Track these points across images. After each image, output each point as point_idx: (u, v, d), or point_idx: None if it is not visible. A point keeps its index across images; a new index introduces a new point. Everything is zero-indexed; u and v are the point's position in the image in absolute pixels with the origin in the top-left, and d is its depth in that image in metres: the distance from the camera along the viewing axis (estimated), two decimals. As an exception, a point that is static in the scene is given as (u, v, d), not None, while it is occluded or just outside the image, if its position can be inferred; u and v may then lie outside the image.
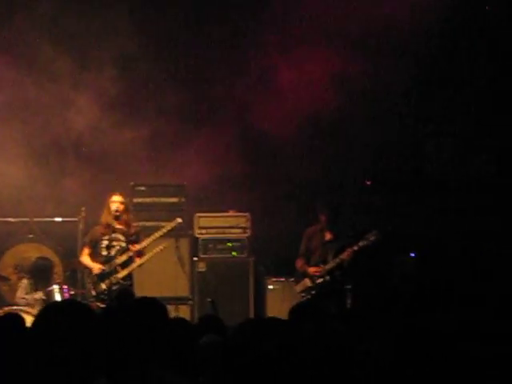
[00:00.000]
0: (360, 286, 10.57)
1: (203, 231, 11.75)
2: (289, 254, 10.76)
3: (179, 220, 10.38)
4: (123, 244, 10.02)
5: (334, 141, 12.11)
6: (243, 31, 11.89)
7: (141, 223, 10.93)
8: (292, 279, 10.67)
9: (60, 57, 11.43)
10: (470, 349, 4.06)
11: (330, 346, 3.39)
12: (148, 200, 11.76)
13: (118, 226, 10.02)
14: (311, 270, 10.07)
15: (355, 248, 9.86)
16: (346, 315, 5.57)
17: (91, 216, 10.68)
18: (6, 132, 11.32)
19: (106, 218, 10.05)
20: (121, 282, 9.90)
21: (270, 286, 11.54)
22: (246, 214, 11.78)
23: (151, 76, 12.03)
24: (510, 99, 11.69)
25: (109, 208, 10.02)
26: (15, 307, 9.76)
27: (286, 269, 11.30)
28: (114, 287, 9.80)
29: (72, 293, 10.15)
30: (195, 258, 11.63)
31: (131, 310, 3.89)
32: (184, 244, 11.55)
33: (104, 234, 9.97)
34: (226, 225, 11.78)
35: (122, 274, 9.94)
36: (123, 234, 10.03)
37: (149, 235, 10.17)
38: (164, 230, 10.14)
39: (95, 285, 9.96)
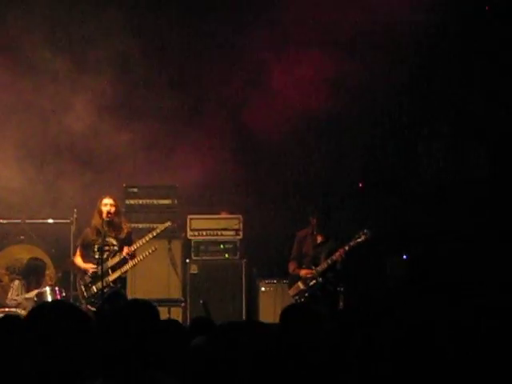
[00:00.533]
0: (352, 287, 10.57)
1: (195, 233, 11.75)
2: (281, 255, 10.77)
3: (169, 223, 10.34)
4: (115, 247, 9.97)
5: (327, 143, 12.13)
6: (236, 34, 11.87)
7: (133, 225, 10.92)
8: (285, 281, 10.67)
9: (57, 59, 11.41)
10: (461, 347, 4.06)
11: (322, 347, 3.39)
12: (140, 202, 11.75)
13: (110, 230, 9.94)
14: (303, 272, 10.08)
15: (346, 248, 9.87)
16: (338, 317, 5.57)
17: (83, 218, 10.65)
18: (0, 133, 11.29)
19: (96, 221, 9.98)
20: (111, 284, 9.85)
21: (263, 288, 11.54)
22: (239, 215, 11.78)
23: (144, 79, 12.01)
24: (503, 100, 11.70)
25: (100, 211, 9.94)
26: (7, 309, 9.74)
27: (278, 271, 11.32)
28: (105, 290, 9.74)
29: (64, 295, 10.10)
30: (187, 260, 11.63)
31: (122, 312, 3.90)
32: (176, 246, 11.54)
33: (95, 239, 9.91)
34: (218, 227, 11.77)
35: (113, 276, 9.88)
36: (115, 237, 9.98)
37: (141, 237, 10.14)
38: (154, 233, 10.11)
39: (86, 287, 9.92)
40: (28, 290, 10.24)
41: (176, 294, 11.40)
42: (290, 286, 10.25)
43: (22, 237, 11.75)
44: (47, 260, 11.24)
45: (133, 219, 11.10)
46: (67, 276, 10.98)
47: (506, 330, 4.17)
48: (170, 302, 10.96)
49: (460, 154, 12.07)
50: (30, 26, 11.33)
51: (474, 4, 11.85)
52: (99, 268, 9.77)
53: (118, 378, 3.63)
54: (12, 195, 11.25)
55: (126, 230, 10.09)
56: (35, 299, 9.76)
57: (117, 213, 10.02)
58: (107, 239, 9.89)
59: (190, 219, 11.77)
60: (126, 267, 9.98)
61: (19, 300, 10.10)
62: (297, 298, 10.10)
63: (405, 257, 11.49)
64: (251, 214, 11.76)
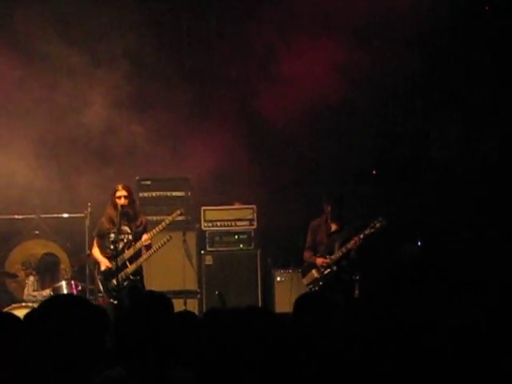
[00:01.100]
0: (367, 275, 10.54)
1: (210, 224, 11.76)
2: (296, 245, 10.77)
3: (179, 211, 10.25)
4: (130, 237, 9.94)
5: (339, 130, 12.10)
6: (247, 22, 11.85)
7: (147, 217, 10.92)
8: (300, 270, 10.66)
9: (71, 53, 11.42)
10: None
11: (335, 336, 3.39)
12: (154, 194, 11.77)
13: (124, 219, 9.93)
14: (319, 260, 10.04)
15: (361, 236, 9.83)
16: (353, 305, 5.56)
17: (98, 211, 10.66)
18: (14, 129, 11.31)
19: (110, 210, 9.94)
20: (131, 277, 9.85)
21: (278, 278, 11.54)
22: (252, 206, 11.77)
23: (156, 71, 12.02)
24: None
25: (114, 200, 9.91)
26: (23, 304, 9.78)
27: (293, 260, 11.32)
28: (125, 283, 9.76)
29: (80, 288, 10.14)
30: (202, 252, 11.65)
31: (137, 305, 3.92)
32: (191, 237, 11.55)
33: (110, 228, 9.88)
34: (232, 217, 11.78)
35: (131, 268, 9.86)
36: (130, 226, 9.96)
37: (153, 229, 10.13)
38: (166, 222, 10.07)
39: (105, 281, 9.91)
40: (43, 286, 10.27)
41: (191, 285, 11.41)
42: (304, 274, 10.23)
43: (36, 232, 11.80)
44: (62, 254, 11.27)
45: (146, 212, 11.09)
46: (83, 270, 11.00)
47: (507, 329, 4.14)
48: (185, 294, 10.97)
49: (472, 140, 12.01)
50: (44, 22, 11.35)
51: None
52: (115, 260, 9.73)
53: (134, 369, 3.66)
54: (26, 190, 11.28)
55: (140, 220, 10.06)
56: (52, 294, 9.80)
57: (131, 202, 9.99)
58: (122, 228, 9.87)
59: (204, 210, 11.78)
60: (143, 258, 9.96)
61: (36, 296, 10.14)
62: (311, 286, 10.08)
63: (418, 243, 11.46)
64: (265, 204, 11.76)
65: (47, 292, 10.07)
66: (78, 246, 11.31)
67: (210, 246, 11.71)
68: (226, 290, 10.77)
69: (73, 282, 10.10)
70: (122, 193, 9.87)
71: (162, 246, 9.96)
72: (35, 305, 9.70)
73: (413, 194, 11.79)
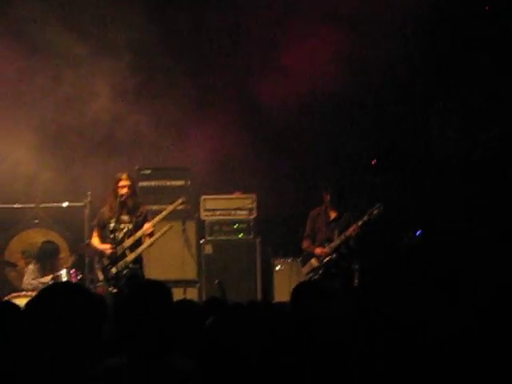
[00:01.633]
0: (366, 263, 10.56)
1: (209, 213, 11.76)
2: (295, 234, 10.76)
3: (181, 200, 10.26)
4: (130, 226, 9.93)
5: (339, 119, 12.08)
6: (246, 11, 11.83)
7: (147, 207, 10.91)
8: (299, 259, 10.66)
9: (73, 43, 11.40)
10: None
11: (334, 325, 3.39)
12: (153, 183, 11.77)
13: (125, 209, 9.91)
14: (318, 250, 10.05)
15: (359, 223, 9.85)
16: (352, 293, 5.57)
17: (97, 201, 10.66)
18: (16, 118, 11.30)
19: (112, 199, 9.93)
20: (130, 265, 9.84)
21: (277, 267, 11.56)
22: (252, 195, 11.78)
23: (158, 61, 11.99)
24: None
25: (115, 189, 9.88)
26: (23, 292, 9.79)
27: (292, 249, 11.32)
28: (124, 271, 9.75)
29: (80, 277, 10.15)
30: (202, 241, 11.65)
31: (136, 294, 3.92)
32: (190, 227, 11.57)
33: (111, 217, 9.87)
34: (231, 206, 11.78)
35: (131, 257, 9.85)
36: (130, 216, 9.95)
37: (155, 217, 10.12)
38: (168, 211, 10.08)
39: (105, 269, 9.91)
40: (43, 274, 10.29)
41: (191, 274, 11.44)
42: (304, 263, 10.24)
43: (36, 221, 11.80)
44: (62, 243, 11.30)
45: (146, 201, 11.08)
46: (82, 259, 11.00)
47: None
48: (185, 283, 11.00)
49: (472, 130, 12.00)
50: (48, 11, 11.33)
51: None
52: (117, 249, 9.75)
53: (134, 358, 3.67)
54: (26, 179, 11.27)
55: (140, 210, 10.04)
56: (51, 282, 9.80)
57: (132, 192, 9.98)
58: (122, 217, 9.86)
59: (204, 199, 11.79)
60: (143, 246, 9.95)
61: (35, 284, 10.15)
62: (311, 275, 10.09)
63: (419, 233, 11.46)
64: (264, 193, 11.76)
65: (47, 279, 10.08)
66: (78, 235, 11.31)
67: (209, 235, 11.72)
68: (226, 279, 10.77)
69: (73, 270, 10.11)
70: (125, 182, 9.84)
71: (163, 234, 9.97)
72: (35, 293, 9.68)
73: (412, 184, 11.79)
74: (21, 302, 5.60)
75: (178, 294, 10.36)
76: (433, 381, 3.83)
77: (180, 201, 10.19)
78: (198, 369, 3.61)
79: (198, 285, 11.40)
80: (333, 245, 9.97)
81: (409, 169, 11.97)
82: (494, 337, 4.12)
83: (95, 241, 10.06)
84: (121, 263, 9.69)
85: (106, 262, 9.87)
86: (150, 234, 9.91)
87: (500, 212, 11.18)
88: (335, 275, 9.87)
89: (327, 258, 10.00)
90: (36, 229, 11.79)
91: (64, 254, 11.02)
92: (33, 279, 10.29)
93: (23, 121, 11.27)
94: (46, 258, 10.43)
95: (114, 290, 9.60)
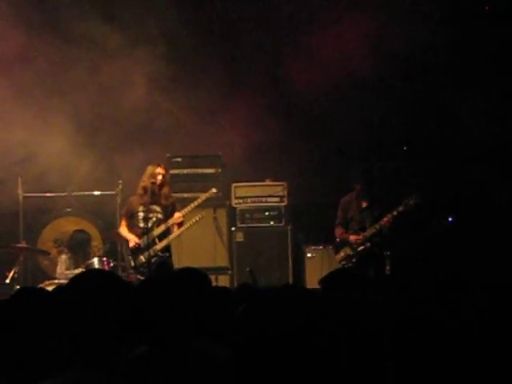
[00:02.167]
0: (399, 251, 10.49)
1: (240, 201, 11.76)
2: (326, 221, 10.72)
3: (214, 190, 10.31)
4: (160, 215, 9.94)
5: (369, 107, 12.02)
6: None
7: (178, 194, 10.93)
8: (331, 247, 10.62)
9: (107, 33, 11.41)
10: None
11: (366, 315, 3.36)
12: (185, 171, 11.79)
13: (154, 198, 9.94)
14: (352, 237, 9.99)
15: (394, 213, 9.79)
16: (384, 282, 5.52)
17: (128, 189, 10.69)
18: (52, 107, 11.34)
19: (141, 190, 9.96)
20: (159, 254, 9.86)
21: (309, 254, 11.53)
22: (283, 182, 11.76)
23: (187, 49, 11.99)
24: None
25: (148, 178, 9.92)
26: (56, 281, 9.84)
27: (324, 236, 11.29)
28: (153, 259, 9.77)
29: (112, 265, 10.18)
30: (233, 228, 11.66)
31: (172, 280, 3.91)
32: (222, 214, 11.57)
33: (140, 205, 9.90)
34: (263, 194, 11.78)
35: (160, 245, 9.87)
36: (160, 205, 9.96)
37: (185, 206, 10.14)
38: (199, 200, 10.08)
39: (134, 257, 9.95)
40: (75, 263, 10.34)
41: (222, 262, 11.45)
42: (337, 251, 10.19)
43: (68, 209, 11.87)
44: (94, 232, 11.35)
45: (177, 189, 11.11)
46: (114, 247, 11.05)
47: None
48: (216, 271, 11.01)
49: (504, 116, 11.87)
50: (84, 3, 11.40)
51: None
52: (145, 238, 9.78)
53: (164, 346, 3.66)
54: (58, 168, 11.31)
55: (170, 199, 10.07)
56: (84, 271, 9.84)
57: (166, 182, 10.01)
58: (151, 206, 9.89)
59: (235, 187, 11.79)
60: (174, 235, 9.98)
61: (68, 274, 10.19)
62: (344, 263, 10.04)
63: (450, 219, 11.38)
64: (295, 181, 11.73)
65: (79, 270, 10.12)
66: (109, 224, 11.37)
67: (240, 223, 11.72)
68: (257, 267, 10.76)
69: (105, 258, 10.14)
70: (160, 170, 9.88)
71: (194, 224, 9.99)
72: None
73: (444, 171, 11.70)
74: (54, 290, 5.61)
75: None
76: (472, 372, 3.78)
77: (212, 191, 10.21)
78: (231, 356, 3.60)
79: (229, 272, 11.41)
80: (367, 233, 9.92)
81: (440, 155, 11.87)
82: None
83: (123, 230, 10.10)
84: (150, 251, 9.70)
85: (135, 248, 9.90)
86: (180, 224, 9.93)
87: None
88: (369, 264, 9.83)
89: (361, 247, 9.96)
90: (68, 217, 11.86)
91: (96, 242, 11.07)
92: (66, 269, 10.34)
93: (57, 110, 11.31)
94: (78, 247, 10.48)
95: (141, 278, 9.62)
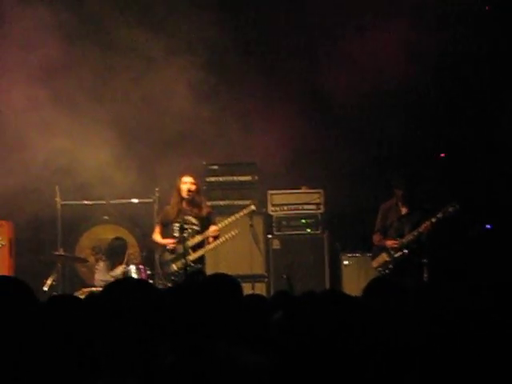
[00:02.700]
0: (437, 259, 10.40)
1: (277, 208, 11.75)
2: (364, 229, 10.66)
3: (253, 207, 10.24)
4: (196, 227, 9.94)
5: (405, 113, 11.94)
6: (311, 4, 11.79)
7: (214, 202, 10.95)
8: (368, 254, 10.56)
9: (148, 42, 11.47)
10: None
11: (406, 324, 3.32)
12: (221, 179, 11.80)
13: (190, 208, 9.94)
14: (389, 242, 9.92)
15: (433, 220, 9.71)
16: (423, 290, 5.47)
17: (166, 197, 10.72)
18: (93, 115, 11.41)
19: (176, 199, 9.97)
20: (192, 264, 9.83)
21: (346, 262, 11.49)
22: (320, 190, 11.74)
23: (226, 58, 12.02)
24: None
25: (179, 190, 9.92)
26: (94, 288, 9.90)
27: (361, 244, 11.24)
28: (186, 269, 9.76)
29: (149, 273, 10.21)
30: (269, 236, 11.65)
31: (203, 287, 3.90)
32: (258, 222, 11.54)
33: (176, 217, 9.90)
34: (299, 201, 11.76)
35: (194, 256, 9.87)
36: (195, 216, 9.95)
37: (222, 214, 10.14)
38: (237, 215, 10.07)
39: (166, 265, 9.94)
40: (113, 270, 10.38)
41: (259, 269, 11.44)
42: (374, 257, 10.12)
43: (106, 217, 11.94)
44: (131, 239, 11.40)
45: (213, 196, 11.13)
46: (151, 255, 11.08)
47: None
48: (253, 278, 11.00)
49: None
50: (124, 8, 11.48)
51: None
52: (179, 246, 9.78)
53: (195, 354, 3.64)
54: (97, 177, 11.37)
55: (205, 210, 10.06)
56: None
57: (197, 191, 9.99)
58: (187, 217, 9.90)
59: (271, 195, 11.78)
60: (208, 248, 9.96)
61: (107, 281, 10.22)
62: (380, 269, 9.97)
63: (488, 226, 11.27)
64: (332, 188, 11.69)
65: (117, 272, 10.15)
66: (147, 231, 11.39)
67: (276, 230, 11.71)
68: (293, 274, 10.74)
69: (142, 266, 10.17)
70: (188, 179, 9.88)
71: (228, 239, 9.97)
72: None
73: (482, 177, 11.59)
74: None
75: (246, 290, 10.31)
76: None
77: (251, 207, 10.18)
78: (268, 365, 3.57)
79: (266, 280, 11.39)
80: (404, 240, 9.85)
81: (479, 162, 11.76)
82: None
83: (156, 236, 10.13)
84: (182, 261, 9.68)
85: (167, 257, 9.92)
86: (216, 236, 9.93)
87: None
88: (406, 271, 9.75)
89: (399, 253, 9.88)
90: (106, 225, 11.93)
91: (133, 249, 11.11)
92: (104, 276, 10.38)
93: (100, 118, 11.38)
94: (115, 255, 10.53)
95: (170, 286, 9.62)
